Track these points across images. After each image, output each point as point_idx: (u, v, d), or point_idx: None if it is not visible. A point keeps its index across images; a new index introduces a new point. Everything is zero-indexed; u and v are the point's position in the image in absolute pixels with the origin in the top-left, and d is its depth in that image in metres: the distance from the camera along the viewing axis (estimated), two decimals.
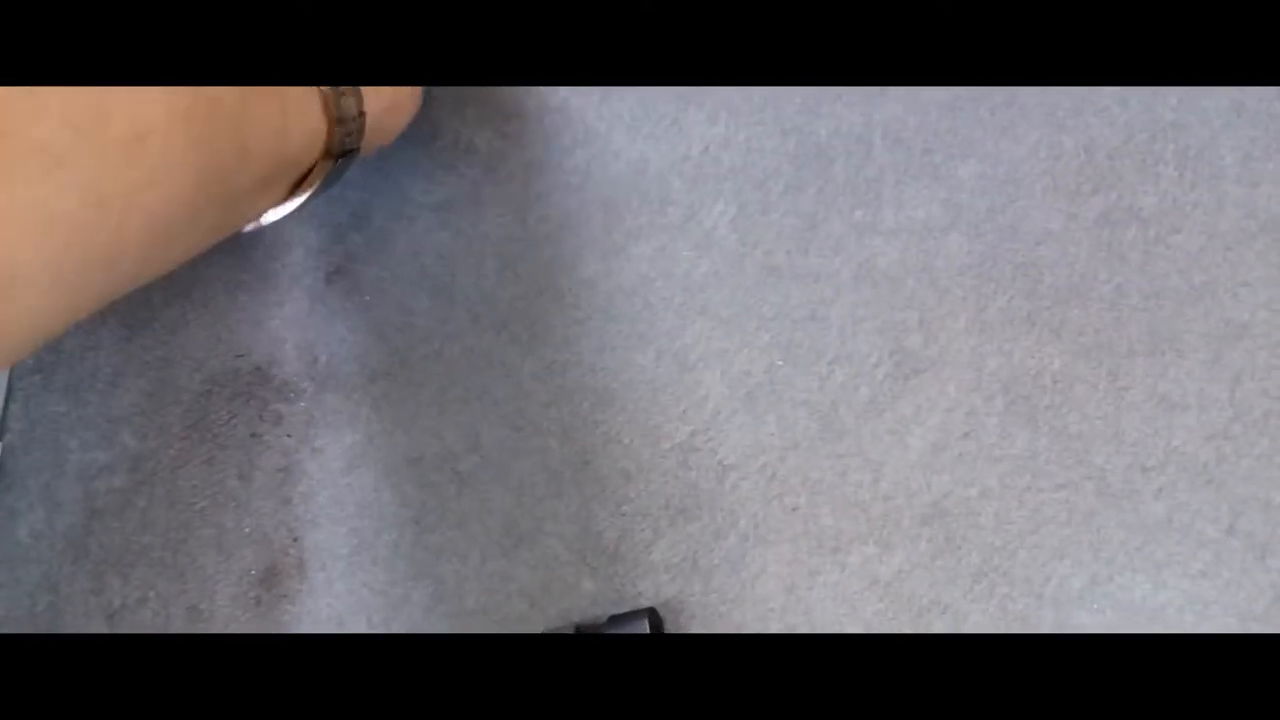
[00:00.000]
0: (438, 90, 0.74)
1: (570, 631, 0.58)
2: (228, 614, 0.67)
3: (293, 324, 0.72)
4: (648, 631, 0.56)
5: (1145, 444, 0.56)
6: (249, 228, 0.57)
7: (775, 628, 0.57)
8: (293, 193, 0.57)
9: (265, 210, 0.56)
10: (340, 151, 0.55)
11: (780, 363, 0.61)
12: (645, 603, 0.59)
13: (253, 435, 0.70)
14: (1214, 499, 0.54)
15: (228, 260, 0.73)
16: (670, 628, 0.59)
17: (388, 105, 0.60)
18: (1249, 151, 0.59)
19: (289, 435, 0.69)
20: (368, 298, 0.70)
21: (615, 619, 0.58)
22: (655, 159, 0.67)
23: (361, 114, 0.55)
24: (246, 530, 0.68)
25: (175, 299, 0.74)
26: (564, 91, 0.71)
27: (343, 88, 0.53)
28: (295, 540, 0.67)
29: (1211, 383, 0.56)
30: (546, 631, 0.59)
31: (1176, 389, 0.56)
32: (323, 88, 0.53)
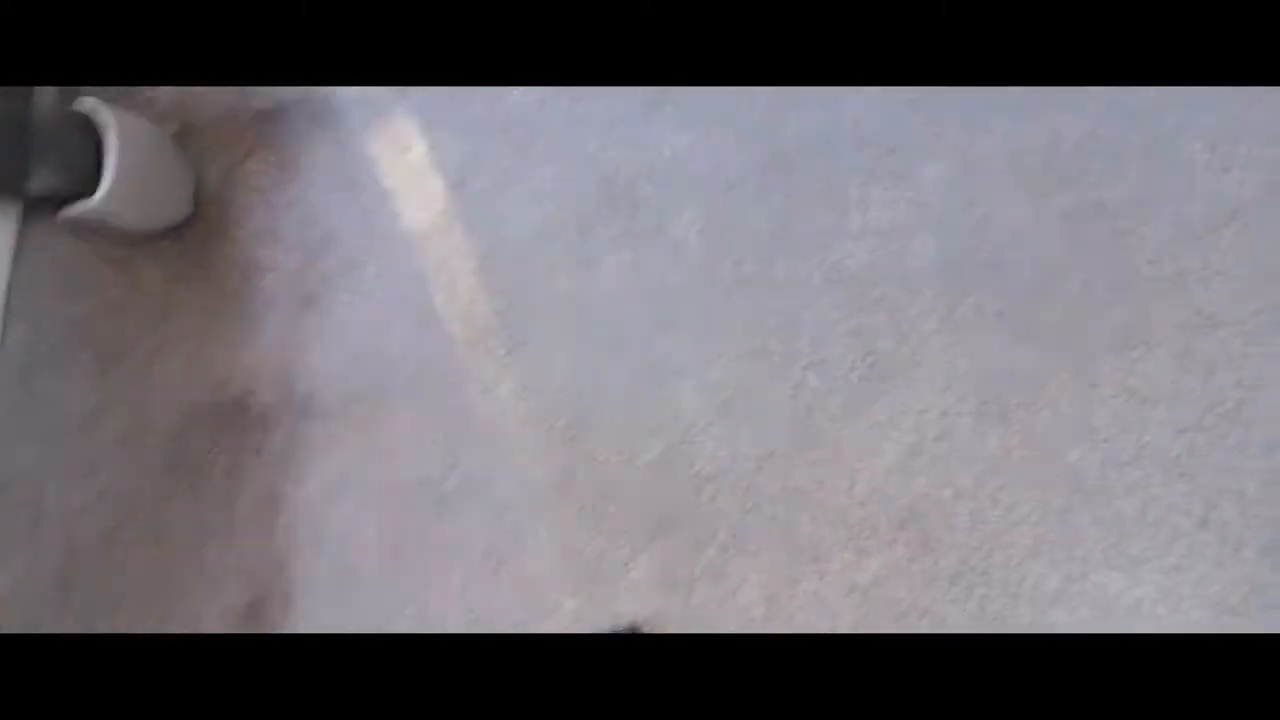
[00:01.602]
0: (404, 102, 0.74)
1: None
2: None
3: (269, 353, 0.72)
4: None
5: (1117, 439, 0.55)
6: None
7: None
8: None
9: None
10: None
11: (754, 371, 0.61)
12: (627, 619, 0.60)
13: (233, 467, 0.70)
14: (1187, 492, 0.54)
15: (201, 287, 0.73)
16: None
17: None
18: (1217, 136, 0.58)
19: (269, 466, 0.70)
20: (342, 322, 0.70)
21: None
22: (625, 166, 0.66)
23: None
24: (230, 563, 0.69)
25: (149, 330, 0.74)
26: (534, 100, 0.70)
27: None
28: (279, 571, 0.68)
29: (1183, 374, 0.55)
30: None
31: (1147, 383, 0.56)
32: None
